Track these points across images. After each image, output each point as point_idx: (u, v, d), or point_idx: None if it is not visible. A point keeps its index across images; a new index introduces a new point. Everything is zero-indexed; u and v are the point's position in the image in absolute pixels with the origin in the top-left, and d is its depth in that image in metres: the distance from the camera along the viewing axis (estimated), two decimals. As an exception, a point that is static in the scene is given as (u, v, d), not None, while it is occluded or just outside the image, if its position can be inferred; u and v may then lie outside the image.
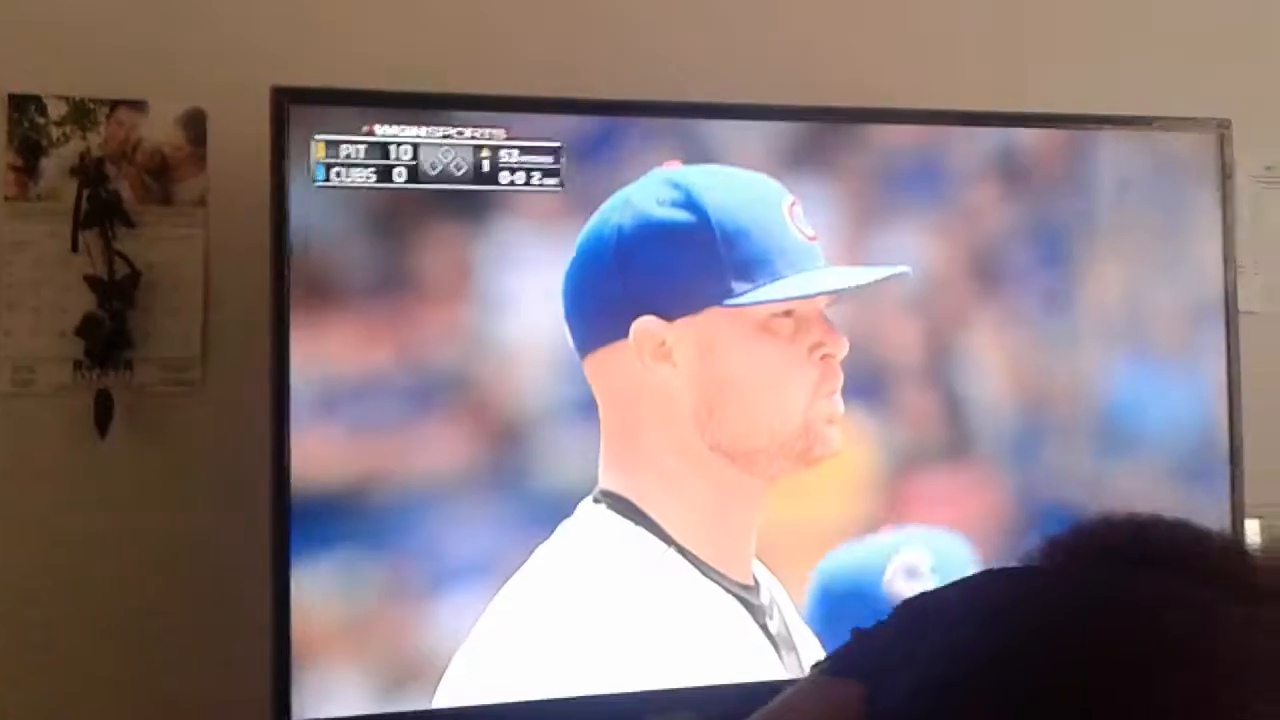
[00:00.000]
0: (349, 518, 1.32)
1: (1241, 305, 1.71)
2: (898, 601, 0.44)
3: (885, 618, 0.44)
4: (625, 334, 1.27)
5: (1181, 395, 1.66)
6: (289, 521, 1.31)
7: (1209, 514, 1.63)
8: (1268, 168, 1.91)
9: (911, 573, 1.42)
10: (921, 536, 1.44)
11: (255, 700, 1.32)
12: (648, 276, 1.26)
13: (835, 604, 1.40)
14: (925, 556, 1.42)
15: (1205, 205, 1.67)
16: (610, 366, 1.28)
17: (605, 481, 1.29)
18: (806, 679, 0.44)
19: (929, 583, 1.42)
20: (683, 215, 1.26)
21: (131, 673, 1.49)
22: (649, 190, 1.28)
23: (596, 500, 1.29)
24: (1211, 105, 1.70)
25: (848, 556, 1.43)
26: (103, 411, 1.50)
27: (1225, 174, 1.67)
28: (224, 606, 1.47)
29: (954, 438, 1.52)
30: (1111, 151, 1.63)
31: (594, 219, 1.29)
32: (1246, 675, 0.40)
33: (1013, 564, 0.48)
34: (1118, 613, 0.41)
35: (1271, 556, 0.47)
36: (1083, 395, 1.60)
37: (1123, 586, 0.43)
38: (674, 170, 1.31)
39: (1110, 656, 0.39)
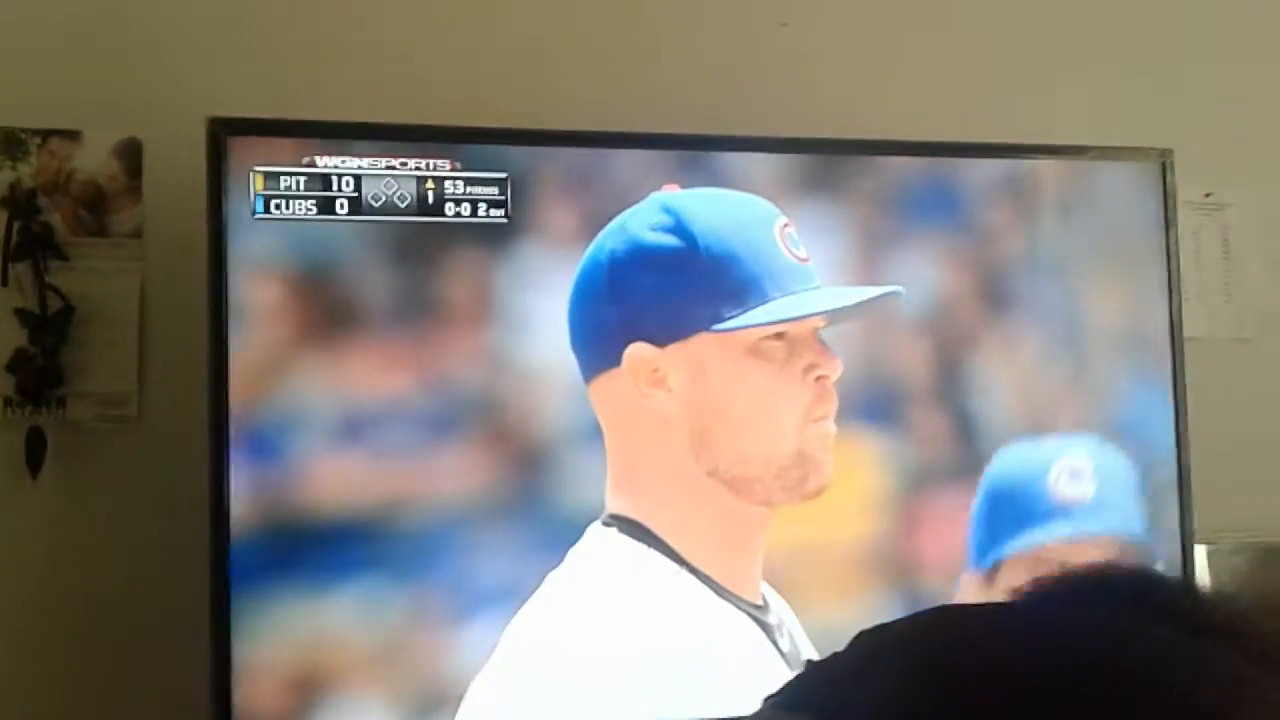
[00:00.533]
0: (357, 545, 1.31)
1: (1186, 332, 1.72)
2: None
3: (841, 650, 0.43)
4: (620, 360, 1.26)
5: (1128, 421, 1.67)
6: (228, 559, 1.27)
7: (1158, 539, 1.64)
8: (1206, 194, 1.93)
9: (1076, 474, 1.49)
10: (1087, 442, 1.52)
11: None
12: (639, 302, 1.25)
13: (1001, 502, 1.48)
14: (1088, 460, 1.49)
15: (1147, 234, 1.69)
16: (611, 392, 1.27)
17: (613, 505, 1.27)
18: (758, 712, 0.42)
19: (1091, 485, 1.50)
20: (671, 240, 1.25)
21: (70, 716, 1.44)
22: (642, 215, 1.28)
23: (606, 524, 1.27)
24: (1147, 134, 1.72)
25: (1015, 456, 1.50)
26: (35, 450, 1.46)
27: (1168, 202, 1.68)
28: (163, 652, 1.43)
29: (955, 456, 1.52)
30: (1053, 181, 1.64)
31: (593, 244, 1.29)
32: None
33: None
34: (1084, 651, 0.40)
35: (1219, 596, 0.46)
36: (1027, 420, 1.60)
37: (1090, 622, 0.42)
38: (668, 195, 1.30)
39: (1075, 698, 0.38)
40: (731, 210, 1.29)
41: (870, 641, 0.43)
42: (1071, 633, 0.42)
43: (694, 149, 1.45)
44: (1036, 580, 0.46)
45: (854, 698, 0.41)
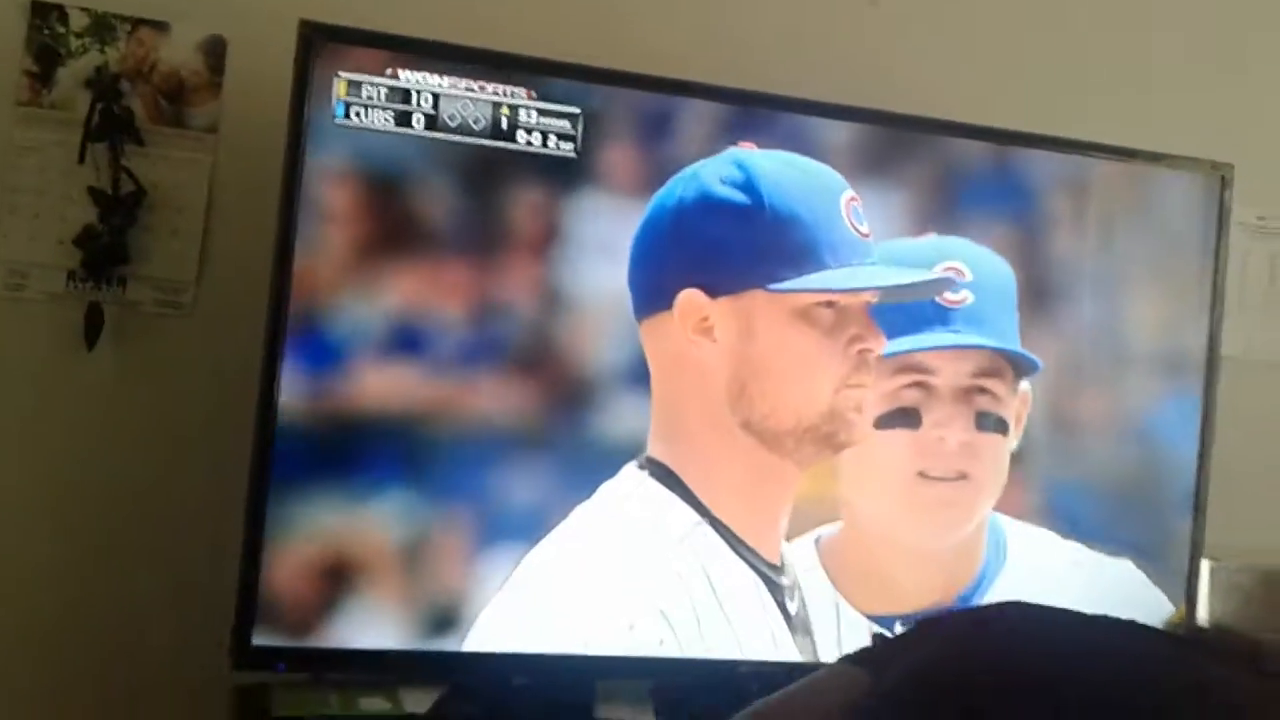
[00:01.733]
0: (395, 455, 1.35)
1: (1224, 349, 1.74)
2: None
3: (903, 631, 0.49)
4: (672, 305, 1.29)
5: (1154, 425, 1.69)
6: (270, 452, 1.31)
7: (1168, 553, 1.66)
8: (1260, 218, 1.94)
9: (955, 279, 1.43)
10: (966, 246, 1.47)
11: (223, 623, 1.33)
12: (699, 251, 1.29)
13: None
14: (967, 268, 1.44)
15: (1196, 247, 1.71)
16: (660, 334, 1.31)
17: (652, 449, 1.32)
18: (829, 666, 0.49)
19: (970, 293, 1.44)
20: (739, 196, 1.29)
21: (103, 588, 1.49)
22: (715, 168, 1.32)
23: (641, 466, 1.32)
24: (1209, 150, 1.73)
25: (896, 250, 1.43)
26: (92, 324, 1.50)
27: (1222, 217, 1.70)
28: (195, 533, 1.48)
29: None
30: (1112, 183, 1.66)
31: (664, 187, 1.32)
32: None
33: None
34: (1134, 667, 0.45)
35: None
36: (1059, 423, 1.62)
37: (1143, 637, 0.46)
38: (743, 151, 1.34)
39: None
40: (802, 176, 1.32)
41: (930, 622, 0.49)
42: (1122, 646, 0.46)
43: (768, 108, 1.47)
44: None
45: (896, 658, 0.45)
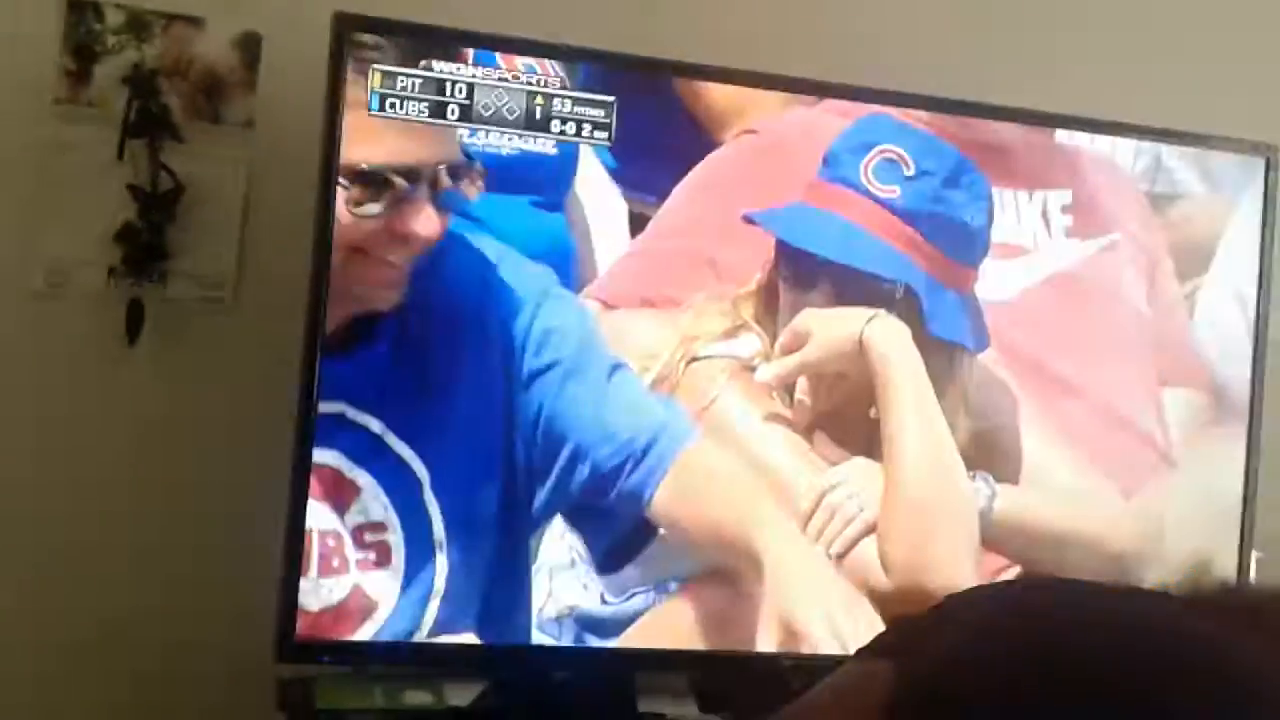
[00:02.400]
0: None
1: (1271, 334, 1.71)
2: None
3: (924, 612, 0.46)
4: None
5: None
6: (312, 442, 1.32)
7: (1219, 541, 1.64)
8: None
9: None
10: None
11: (265, 613, 1.34)
12: None
13: None
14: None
15: (1243, 228, 1.68)
16: None
17: None
18: (848, 664, 0.46)
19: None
20: None
21: (138, 582, 1.51)
22: None
23: None
24: (1258, 131, 1.70)
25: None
26: (134, 320, 1.51)
27: (1268, 198, 1.67)
28: (238, 520, 1.48)
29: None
30: (1161, 163, 1.63)
31: None
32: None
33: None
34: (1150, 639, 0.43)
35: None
36: (1100, 407, 1.60)
37: (1167, 611, 0.44)
38: None
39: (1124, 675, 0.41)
40: None
41: (950, 604, 0.46)
42: (1138, 620, 0.44)
43: (798, 92, 1.46)
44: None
45: (925, 647, 0.43)
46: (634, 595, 1.41)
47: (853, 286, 1.44)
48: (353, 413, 1.32)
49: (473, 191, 1.33)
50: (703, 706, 1.47)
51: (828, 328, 1.43)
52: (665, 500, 1.37)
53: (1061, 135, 1.60)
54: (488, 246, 1.36)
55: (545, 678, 1.44)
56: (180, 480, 1.52)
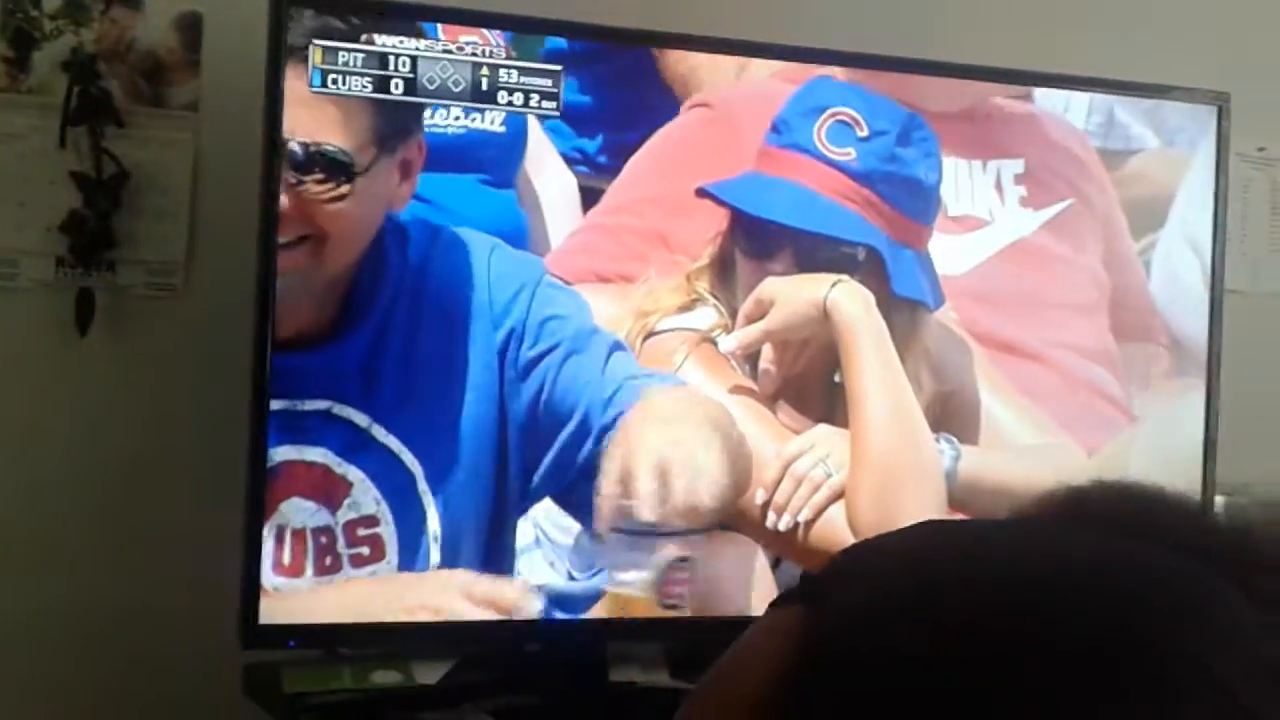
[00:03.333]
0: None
1: (1228, 285, 1.72)
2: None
3: (829, 560, 0.45)
4: None
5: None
6: (266, 428, 1.30)
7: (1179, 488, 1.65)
8: (1260, 149, 1.91)
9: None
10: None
11: (225, 610, 1.33)
12: None
13: None
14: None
15: (1198, 180, 1.68)
16: None
17: None
18: (758, 619, 0.44)
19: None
20: None
21: (96, 575, 1.49)
22: None
23: None
24: (1207, 81, 1.70)
25: None
26: (84, 310, 1.49)
27: (1222, 148, 1.67)
28: (195, 511, 1.47)
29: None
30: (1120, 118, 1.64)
31: None
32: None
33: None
34: (1078, 565, 0.42)
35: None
36: (1060, 369, 1.61)
37: (1095, 544, 0.43)
38: None
39: (1066, 609, 0.39)
40: None
41: (858, 548, 0.45)
42: (1057, 551, 0.42)
43: (752, 56, 1.46)
44: (1041, 502, 0.46)
45: (838, 587, 0.42)
46: (600, 571, 1.41)
47: (814, 252, 1.44)
48: (338, 408, 1.31)
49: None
50: (674, 673, 1.48)
51: (791, 294, 1.43)
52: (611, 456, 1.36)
53: (1012, 100, 1.60)
54: (475, 237, 1.34)
55: (516, 651, 1.43)
56: (138, 467, 1.50)
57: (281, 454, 1.32)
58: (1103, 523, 0.43)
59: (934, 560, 0.42)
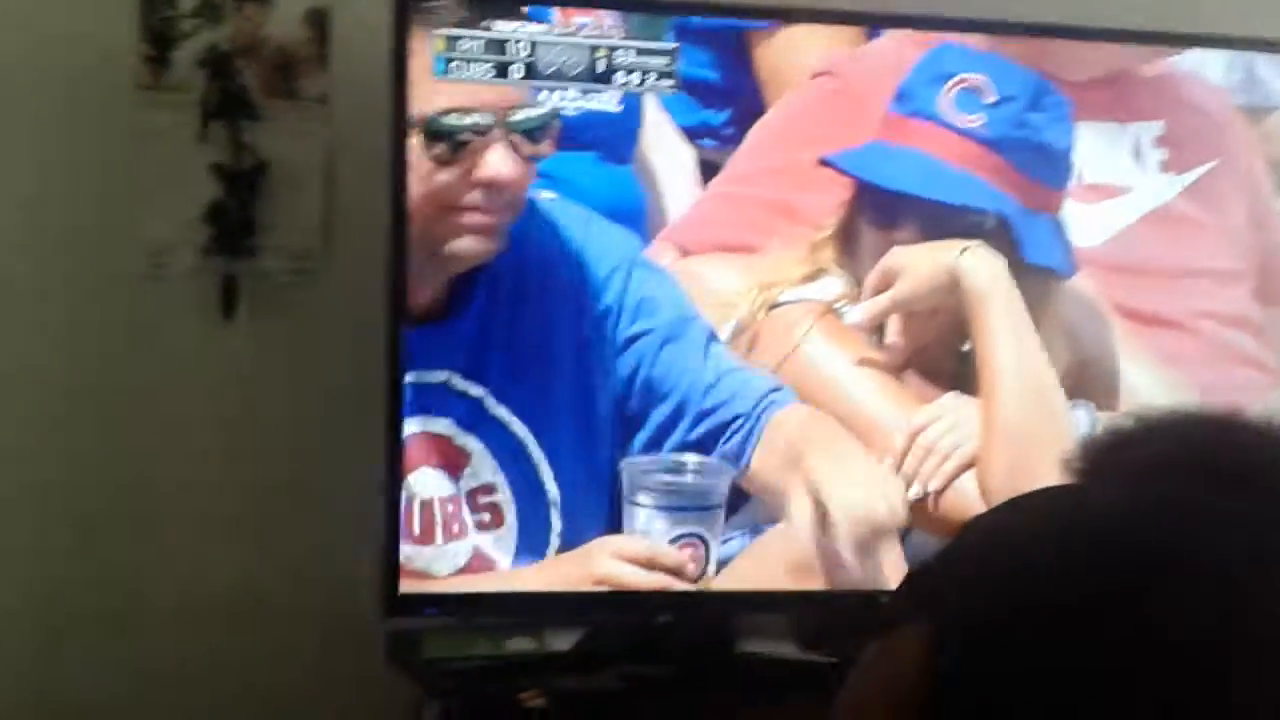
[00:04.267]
0: None
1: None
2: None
3: (941, 551, 0.44)
4: None
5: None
6: (401, 408, 1.35)
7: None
8: None
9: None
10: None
11: (365, 578, 1.38)
12: None
13: None
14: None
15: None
16: None
17: None
18: (880, 639, 0.44)
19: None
20: None
21: (256, 550, 1.56)
22: None
23: None
24: None
25: None
26: (229, 296, 1.56)
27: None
28: (337, 483, 1.53)
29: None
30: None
31: None
32: None
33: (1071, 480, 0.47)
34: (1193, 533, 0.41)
35: None
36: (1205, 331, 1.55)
37: (1206, 509, 0.42)
38: None
39: (1184, 578, 0.39)
40: None
41: (971, 534, 0.45)
42: (1131, 516, 0.42)
43: (861, 24, 1.44)
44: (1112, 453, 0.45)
45: (962, 591, 0.42)
46: (728, 540, 1.42)
47: (941, 221, 1.42)
48: (456, 380, 1.35)
49: (548, 148, 1.34)
50: (803, 645, 1.48)
51: (919, 263, 1.41)
52: (759, 466, 1.38)
53: (1149, 61, 1.54)
54: (572, 211, 1.37)
55: (646, 621, 1.46)
56: (284, 444, 1.57)
57: (413, 426, 1.36)
58: (1186, 474, 0.42)
59: (1034, 562, 0.42)
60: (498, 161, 1.30)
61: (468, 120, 1.31)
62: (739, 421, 1.37)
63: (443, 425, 1.36)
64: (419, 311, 1.37)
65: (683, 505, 1.35)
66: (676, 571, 1.34)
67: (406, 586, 1.36)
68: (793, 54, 1.43)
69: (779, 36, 1.43)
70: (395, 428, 1.35)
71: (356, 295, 1.52)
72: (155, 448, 1.56)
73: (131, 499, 1.56)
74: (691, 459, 1.37)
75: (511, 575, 1.37)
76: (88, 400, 1.55)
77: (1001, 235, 1.42)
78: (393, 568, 1.36)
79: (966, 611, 0.41)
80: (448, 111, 1.30)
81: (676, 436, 1.37)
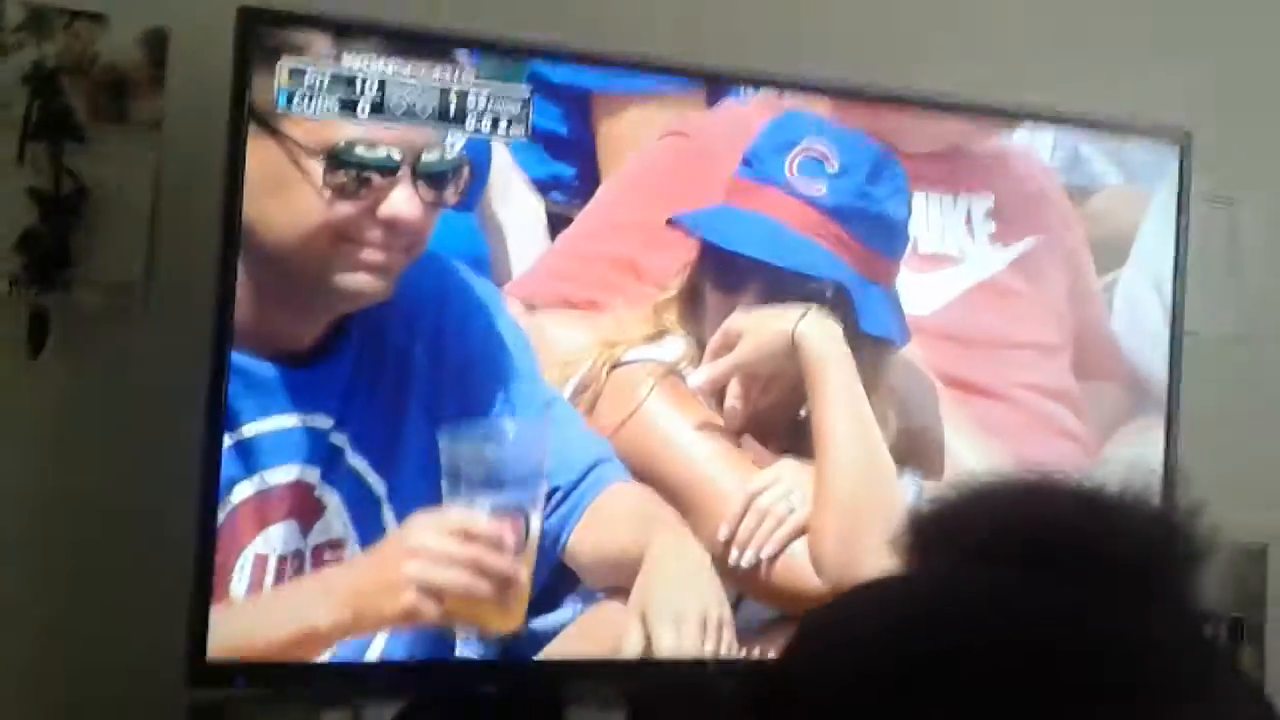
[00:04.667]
0: None
1: (1187, 325, 1.73)
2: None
3: (779, 659, 0.45)
4: None
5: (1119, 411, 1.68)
6: (219, 457, 1.28)
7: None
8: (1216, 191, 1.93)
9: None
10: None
11: (175, 639, 1.29)
12: None
13: None
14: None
15: (1161, 218, 1.69)
16: None
17: None
18: None
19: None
20: None
21: (57, 605, 1.45)
22: None
23: None
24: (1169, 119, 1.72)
25: None
26: (37, 331, 1.46)
27: (1184, 186, 1.69)
28: (149, 539, 1.43)
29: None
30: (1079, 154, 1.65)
31: None
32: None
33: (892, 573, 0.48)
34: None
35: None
36: (1023, 408, 1.61)
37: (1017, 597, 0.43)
38: None
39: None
40: None
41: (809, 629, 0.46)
42: (965, 604, 0.43)
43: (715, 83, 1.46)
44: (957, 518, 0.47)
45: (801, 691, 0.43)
46: (558, 608, 1.39)
47: (782, 287, 1.44)
48: (324, 426, 1.28)
49: (452, 196, 1.31)
50: (633, 715, 1.45)
51: (759, 327, 1.43)
52: (579, 543, 1.36)
53: (981, 136, 1.61)
54: (480, 285, 1.33)
55: (470, 692, 1.41)
56: (92, 495, 1.46)
57: (243, 488, 1.28)
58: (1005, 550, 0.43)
59: (867, 671, 0.42)
60: (402, 201, 1.26)
61: (376, 154, 1.26)
62: (559, 494, 1.35)
63: (305, 473, 1.28)
64: (291, 350, 1.30)
65: (501, 477, 1.31)
66: (495, 544, 1.28)
67: (216, 653, 1.27)
68: (635, 125, 1.44)
69: (623, 109, 1.45)
70: (210, 485, 1.27)
71: (178, 335, 1.44)
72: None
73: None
74: (510, 426, 1.32)
75: (317, 579, 1.29)
76: None
77: (840, 303, 1.45)
78: (200, 631, 1.27)
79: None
80: (356, 142, 1.25)
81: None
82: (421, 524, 1.29)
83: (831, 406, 1.41)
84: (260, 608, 1.29)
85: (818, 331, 1.41)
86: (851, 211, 1.45)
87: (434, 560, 1.27)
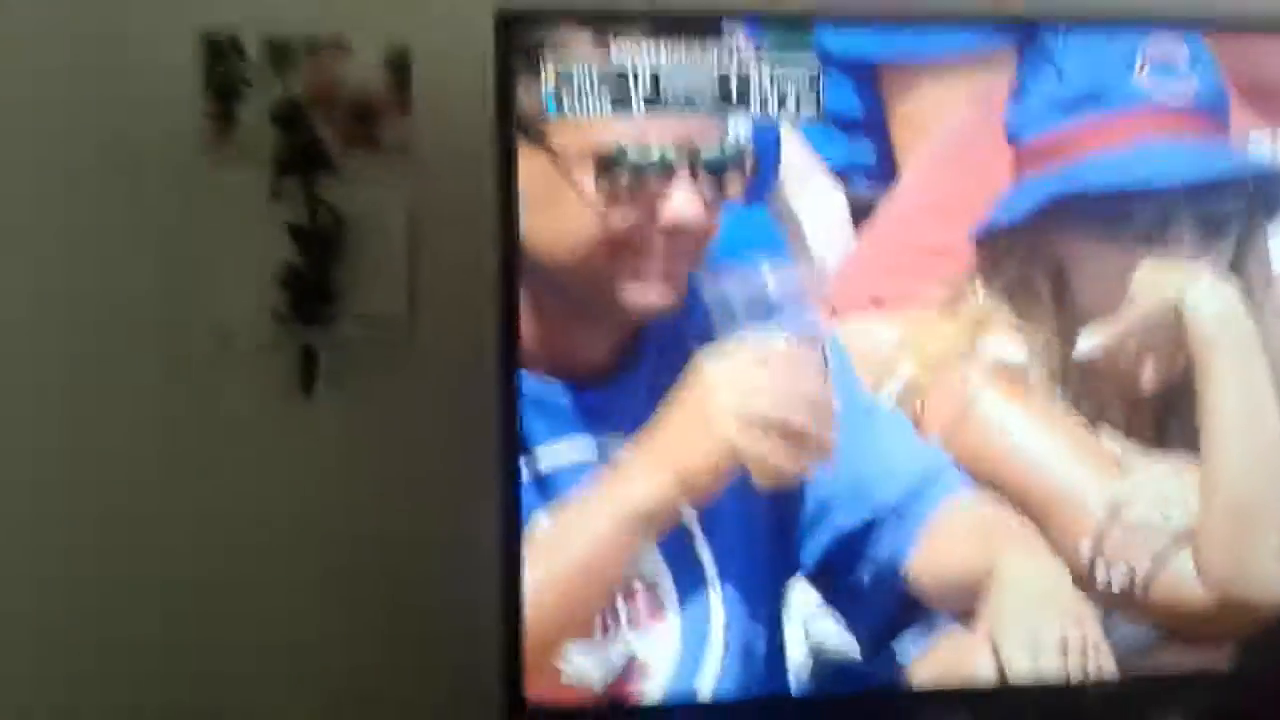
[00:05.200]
0: None
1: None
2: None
3: None
4: None
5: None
6: (518, 494, 1.19)
7: None
8: None
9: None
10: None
11: (480, 686, 1.23)
12: None
13: None
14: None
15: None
16: None
17: None
18: None
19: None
20: None
21: (347, 645, 1.42)
22: None
23: None
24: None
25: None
26: (307, 369, 1.42)
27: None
28: (448, 574, 1.37)
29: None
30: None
31: None
32: None
33: None
34: None
35: None
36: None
37: None
38: None
39: None
40: None
41: None
42: None
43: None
44: None
45: None
46: (903, 637, 1.25)
47: (1179, 222, 1.23)
48: (615, 443, 1.18)
49: (737, 189, 1.18)
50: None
51: (1146, 289, 1.23)
52: (920, 565, 1.21)
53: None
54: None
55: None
56: (379, 531, 1.42)
57: (540, 515, 1.19)
58: None
59: None
60: (682, 202, 1.15)
61: (650, 154, 1.16)
62: (890, 512, 1.21)
63: None
64: (580, 370, 1.21)
65: None
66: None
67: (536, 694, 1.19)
68: (936, 93, 1.29)
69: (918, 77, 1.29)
70: (512, 518, 1.19)
71: (450, 364, 1.38)
72: (228, 543, 1.41)
73: (216, 596, 1.41)
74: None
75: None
76: (154, 492, 1.40)
77: (1254, 230, 1.24)
78: (514, 676, 1.19)
79: None
80: (627, 144, 1.15)
81: (817, 542, 1.22)
82: (725, 408, 1.13)
83: (1222, 391, 1.22)
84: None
85: (1211, 305, 1.22)
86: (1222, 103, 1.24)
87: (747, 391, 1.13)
